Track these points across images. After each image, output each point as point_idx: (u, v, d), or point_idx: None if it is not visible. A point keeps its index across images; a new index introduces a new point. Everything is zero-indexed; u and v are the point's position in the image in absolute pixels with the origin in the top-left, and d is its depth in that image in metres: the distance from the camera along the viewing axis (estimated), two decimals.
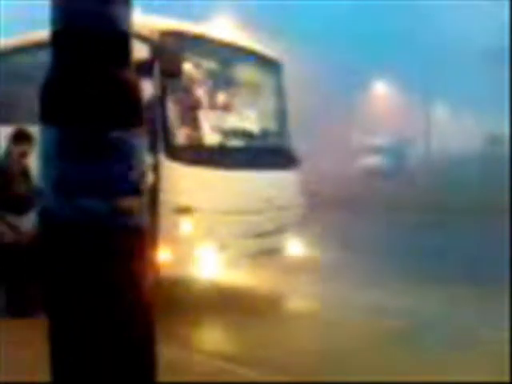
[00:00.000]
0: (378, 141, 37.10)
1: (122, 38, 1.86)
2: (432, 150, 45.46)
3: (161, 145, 5.44)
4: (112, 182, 1.79)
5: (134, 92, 1.85)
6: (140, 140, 1.86)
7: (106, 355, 1.84)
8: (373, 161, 34.69)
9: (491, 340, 5.04)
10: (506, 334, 4.95)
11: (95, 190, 1.77)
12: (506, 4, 24.58)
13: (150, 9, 6.69)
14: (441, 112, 55.74)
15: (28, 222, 5.39)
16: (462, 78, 44.68)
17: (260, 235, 6.20)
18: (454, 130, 55.01)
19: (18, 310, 5.16)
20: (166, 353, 3.65)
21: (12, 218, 5.48)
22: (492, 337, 5.11)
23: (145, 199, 1.89)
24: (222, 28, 24.48)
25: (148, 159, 5.08)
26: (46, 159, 1.84)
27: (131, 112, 1.83)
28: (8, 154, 5.71)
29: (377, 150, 35.42)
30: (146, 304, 1.92)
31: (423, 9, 42.94)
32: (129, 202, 1.81)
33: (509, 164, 20.14)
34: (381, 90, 52.66)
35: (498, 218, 12.75)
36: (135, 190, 1.83)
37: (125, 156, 1.80)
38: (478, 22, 30.16)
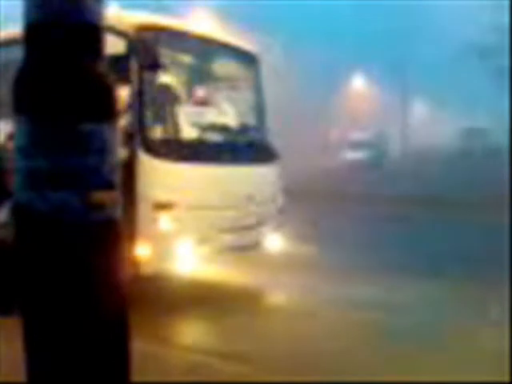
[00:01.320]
0: (358, 135, 37.39)
1: (93, 31, 1.85)
2: (411, 144, 45.88)
3: (138, 139, 5.41)
4: (84, 175, 1.78)
5: (105, 85, 1.84)
6: (112, 133, 1.85)
7: (81, 350, 1.84)
8: (353, 155, 34.97)
9: (468, 331, 5.10)
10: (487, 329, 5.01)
11: (67, 183, 1.76)
12: (487, 3, 24.78)
13: (127, 3, 6.63)
14: (420, 107, 56.17)
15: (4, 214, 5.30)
16: (440, 74, 45.06)
17: (239, 230, 6.20)
18: (433, 124, 55.49)
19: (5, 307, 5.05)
20: (143, 347, 3.66)
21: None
22: (469, 328, 5.17)
23: (118, 193, 1.89)
24: (200, 22, 24.39)
25: (122, 153, 5.06)
26: (19, 152, 1.83)
27: (103, 105, 1.82)
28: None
29: (357, 145, 35.71)
30: (120, 297, 1.92)
31: (403, 6, 43.19)
32: (101, 196, 1.80)
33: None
34: (360, 85, 52.89)
35: (475, 210, 12.96)
36: (108, 183, 1.83)
37: (97, 149, 1.79)
38: (457, 19, 30.42)
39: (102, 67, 1.86)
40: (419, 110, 55.94)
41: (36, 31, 1.81)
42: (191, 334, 5.62)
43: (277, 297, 6.78)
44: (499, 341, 4.75)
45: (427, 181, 20.83)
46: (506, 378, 4.06)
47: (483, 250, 8.55)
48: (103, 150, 1.81)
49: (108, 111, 1.84)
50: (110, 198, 1.84)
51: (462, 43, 26.70)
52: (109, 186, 1.84)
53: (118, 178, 1.93)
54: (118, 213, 1.90)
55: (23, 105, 1.82)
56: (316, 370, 4.24)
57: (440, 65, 43.45)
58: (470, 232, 10.50)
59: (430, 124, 55.50)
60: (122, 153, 5.19)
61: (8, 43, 6.58)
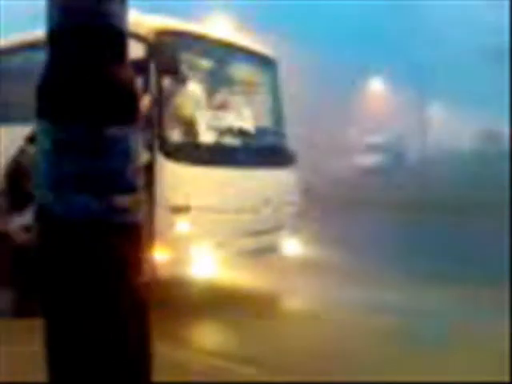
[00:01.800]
0: (376, 139, 37.20)
1: (117, 35, 1.86)
2: (429, 147, 45.56)
3: (157, 143, 5.43)
4: (108, 179, 1.78)
5: (129, 89, 1.85)
6: (135, 137, 1.86)
7: (102, 354, 1.84)
8: (371, 159, 34.79)
9: (482, 337, 5.05)
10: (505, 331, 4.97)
11: (91, 187, 1.76)
12: (505, 4, 24.60)
13: (146, 8, 6.67)
14: (437, 109, 55.80)
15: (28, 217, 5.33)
16: (458, 76, 44.76)
17: (257, 234, 6.20)
18: (451, 127, 55.08)
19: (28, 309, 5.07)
20: (163, 351, 3.66)
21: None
22: (482, 334, 5.12)
23: (141, 196, 1.89)
24: (219, 27, 24.46)
25: (144, 157, 5.09)
26: (42, 156, 1.85)
27: (127, 109, 1.83)
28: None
29: (375, 148, 35.54)
30: (141, 302, 1.92)
31: (420, 8, 43.01)
32: (125, 200, 1.81)
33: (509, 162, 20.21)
34: (378, 87, 52.68)
35: (494, 216, 12.82)
36: (131, 187, 1.83)
37: (120, 153, 1.80)
38: (474, 21, 30.26)
39: (127, 72, 1.87)
40: (437, 112, 55.55)
41: (60, 35, 1.82)
42: (209, 337, 5.62)
43: (294, 301, 6.76)
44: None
45: (443, 185, 20.66)
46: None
47: (499, 254, 8.47)
48: (127, 154, 1.82)
49: (131, 116, 1.85)
50: (134, 202, 1.84)
51: (480, 45, 26.52)
52: (132, 189, 1.84)
53: (142, 181, 1.94)
54: (142, 217, 1.90)
55: (47, 109, 1.83)
56: (331, 372, 4.22)
57: (457, 67, 43.14)
58: (483, 236, 10.42)
59: (448, 126, 55.08)
60: (144, 156, 5.23)
61: (30, 46, 6.67)
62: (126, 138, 1.81)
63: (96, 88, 1.77)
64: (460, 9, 29.99)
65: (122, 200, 1.80)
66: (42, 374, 2.01)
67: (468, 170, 27.03)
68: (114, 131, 1.78)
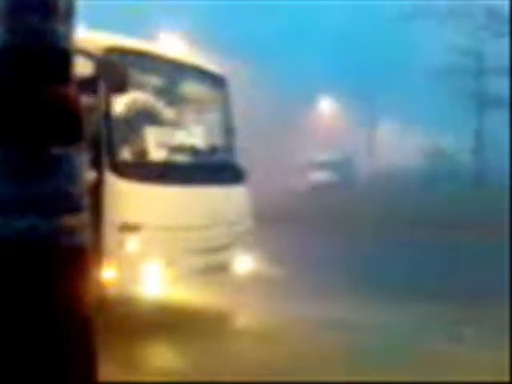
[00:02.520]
0: (326, 156, 37.69)
1: (62, 54, 1.84)
2: (377, 164, 46.44)
3: (106, 161, 5.37)
4: (53, 200, 1.76)
5: (74, 108, 1.83)
6: (81, 156, 1.84)
7: (48, 374, 1.80)
8: (320, 176, 35.23)
9: (433, 351, 5.15)
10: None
11: (35, 209, 1.73)
12: (451, 24, 25.41)
13: (96, 25, 6.64)
14: (386, 128, 56.99)
15: None
16: (407, 96, 45.84)
17: (208, 251, 6.17)
18: (399, 145, 56.31)
19: None
20: (111, 371, 3.60)
21: None
22: (435, 348, 5.22)
23: (87, 217, 1.87)
24: (169, 45, 24.43)
25: (91, 176, 5.03)
26: None
27: (71, 128, 1.81)
28: None
29: (324, 166, 36.01)
30: (87, 322, 1.89)
31: (369, 28, 43.96)
32: (71, 220, 1.78)
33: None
34: (328, 107, 53.48)
35: (441, 229, 13.19)
36: (77, 207, 1.81)
37: (65, 173, 1.78)
38: (422, 41, 31.19)
39: (71, 91, 1.85)
40: (386, 131, 56.75)
41: (4, 54, 1.80)
42: (159, 357, 5.54)
43: (245, 319, 6.75)
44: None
45: (389, 202, 21.10)
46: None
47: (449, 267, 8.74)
48: (72, 175, 1.80)
49: (76, 135, 1.83)
50: (80, 223, 1.82)
51: (428, 65, 27.26)
52: (78, 209, 1.82)
53: (87, 201, 1.91)
54: (88, 237, 1.87)
55: None
56: None
57: (406, 86, 44.22)
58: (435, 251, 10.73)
59: (396, 145, 56.31)
60: (89, 174, 5.17)
61: None
62: (71, 158, 1.79)
63: (38, 108, 1.75)
64: (410, 29, 30.87)
65: (69, 221, 1.78)
66: None
67: (414, 187, 27.75)
68: (58, 151, 1.76)
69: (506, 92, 25.30)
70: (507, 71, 24.78)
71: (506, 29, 23.95)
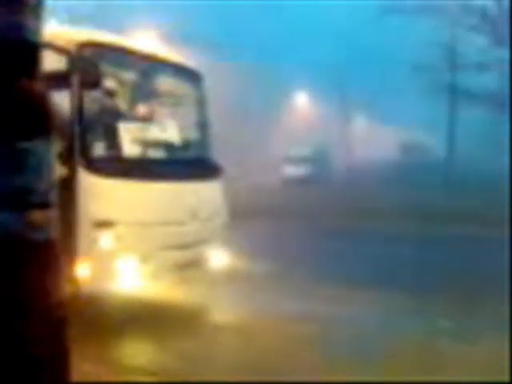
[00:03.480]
0: (298, 151, 37.79)
1: (30, 48, 1.82)
2: (352, 159, 46.75)
3: (78, 157, 5.33)
4: (19, 195, 1.74)
5: (40, 103, 1.81)
6: (48, 151, 1.82)
7: (17, 371, 1.79)
8: (296, 170, 35.34)
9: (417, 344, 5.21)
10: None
11: (2, 203, 1.71)
12: (424, 21, 25.59)
13: (69, 20, 6.57)
14: (360, 122, 57.37)
15: None
16: (381, 90, 46.19)
17: (184, 246, 6.16)
18: (373, 139, 56.75)
19: None
20: (85, 368, 3.59)
21: None
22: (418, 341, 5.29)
23: (55, 212, 1.85)
24: (146, 40, 24.25)
25: (61, 171, 4.99)
26: None
27: (38, 123, 1.79)
28: None
29: (299, 160, 36.12)
30: (57, 319, 1.88)
31: (345, 24, 44.14)
32: (37, 216, 1.77)
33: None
34: (303, 102, 53.62)
35: (419, 221, 13.37)
36: (44, 202, 1.79)
37: (32, 167, 1.76)
38: (401, 38, 31.40)
39: (39, 85, 1.83)
40: (360, 125, 57.14)
41: None
42: (134, 354, 5.51)
43: (223, 315, 6.75)
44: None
45: (366, 195, 21.31)
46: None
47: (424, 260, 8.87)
48: (39, 169, 1.78)
49: (44, 129, 1.81)
50: (46, 218, 1.80)
51: (403, 60, 27.48)
52: (46, 205, 1.80)
53: (56, 196, 1.89)
54: (55, 232, 1.86)
55: None
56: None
57: (381, 81, 44.57)
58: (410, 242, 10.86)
59: (371, 139, 56.73)
60: (61, 170, 5.13)
61: None
62: (38, 151, 1.77)
63: (4, 103, 1.72)
64: (383, 25, 31.05)
65: (36, 216, 1.76)
66: None
67: (390, 179, 28.06)
68: (24, 145, 1.74)
69: (478, 86, 25.63)
70: (479, 66, 25.11)
71: (479, 23, 24.23)
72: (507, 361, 4.45)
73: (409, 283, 7.40)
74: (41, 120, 1.80)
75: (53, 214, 1.84)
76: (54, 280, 1.85)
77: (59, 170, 5.22)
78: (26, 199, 1.75)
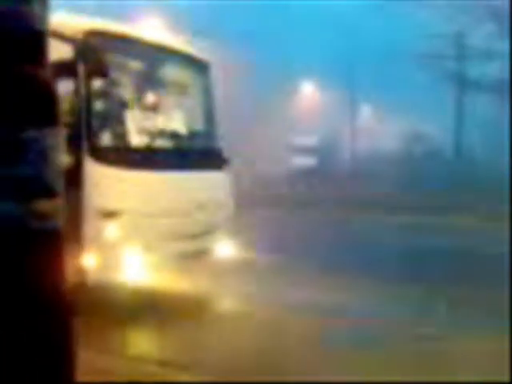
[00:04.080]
0: (306, 140, 37.73)
1: (36, 36, 1.80)
2: (359, 149, 46.64)
3: (85, 146, 5.32)
4: (25, 184, 1.72)
5: (47, 90, 1.79)
6: (55, 140, 1.80)
7: (25, 359, 1.78)
8: (303, 161, 35.30)
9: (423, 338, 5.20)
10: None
11: (8, 193, 1.70)
12: (436, 8, 25.34)
13: (76, 9, 6.54)
14: (367, 112, 57.17)
15: None
16: (387, 80, 45.98)
17: (189, 237, 6.16)
18: (379, 129, 56.56)
19: None
20: (91, 357, 3.59)
21: None
22: (423, 334, 5.28)
23: (61, 201, 1.83)
24: (151, 29, 24.17)
25: (67, 160, 4.98)
26: None
27: (45, 111, 1.77)
28: None
29: (306, 150, 36.07)
30: (64, 308, 1.87)
31: (352, 14, 43.90)
32: (43, 205, 1.75)
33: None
34: (310, 91, 53.44)
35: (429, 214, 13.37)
36: (50, 191, 1.78)
37: (38, 157, 1.74)
38: (407, 28, 31.21)
39: (45, 73, 1.81)
40: (366, 115, 56.92)
41: None
42: (139, 343, 5.54)
43: (229, 304, 6.76)
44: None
45: (372, 184, 21.30)
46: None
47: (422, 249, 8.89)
48: (45, 158, 1.76)
49: (50, 118, 1.79)
50: (53, 207, 1.78)
51: (407, 49, 27.29)
52: (52, 194, 1.78)
53: (62, 185, 1.88)
54: (61, 222, 1.84)
55: None
56: (258, 375, 4.24)
57: (387, 71, 44.36)
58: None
59: (377, 129, 56.55)
60: (68, 159, 5.12)
61: None
62: (44, 140, 1.75)
63: (13, 90, 1.71)
64: (395, 16, 30.89)
65: (42, 205, 1.75)
66: None
67: (396, 169, 28.03)
68: (31, 134, 1.72)
69: (485, 75, 25.51)
70: (486, 54, 24.96)
71: (486, 12, 24.01)
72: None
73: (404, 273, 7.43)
74: (48, 108, 1.78)
75: (59, 203, 1.82)
76: (60, 270, 1.83)
77: (66, 159, 5.22)
78: (31, 188, 1.74)
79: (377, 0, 26.87)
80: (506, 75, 23.58)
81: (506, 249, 8.19)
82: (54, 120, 1.80)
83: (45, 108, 1.77)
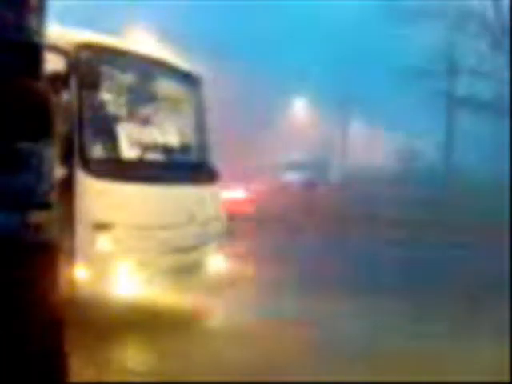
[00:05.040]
0: (300, 157, 37.85)
1: (33, 49, 1.81)
2: (351, 166, 46.83)
3: (77, 158, 5.31)
4: (20, 195, 1.73)
5: (44, 103, 1.81)
6: (50, 151, 1.81)
7: (15, 372, 1.77)
8: (294, 176, 35.32)
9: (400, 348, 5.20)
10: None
11: (2, 204, 1.70)
12: (424, 28, 25.56)
13: (69, 21, 6.57)
14: (359, 128, 57.44)
15: None
16: (379, 97, 46.26)
17: (181, 251, 6.15)
18: (371, 145, 56.84)
19: None
20: (82, 372, 3.56)
21: None
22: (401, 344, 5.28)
23: (55, 213, 1.83)
24: (144, 40, 24.28)
25: (60, 172, 4.98)
26: None
27: (41, 123, 1.78)
28: None
29: (299, 167, 36.13)
30: (55, 320, 1.86)
31: (345, 30, 44.22)
32: (38, 216, 1.75)
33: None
34: (301, 108, 53.70)
35: (417, 230, 13.41)
36: (44, 203, 1.78)
37: (33, 168, 1.75)
38: (396, 42, 31.47)
39: (42, 85, 1.82)
40: (358, 131, 57.19)
41: None
42: (130, 358, 5.49)
43: (220, 319, 6.72)
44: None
45: (363, 202, 21.36)
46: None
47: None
48: (40, 170, 1.76)
49: (45, 130, 1.80)
50: (47, 219, 1.78)
51: (398, 66, 27.47)
52: (46, 206, 1.78)
53: (55, 197, 1.88)
54: (56, 234, 1.84)
55: None
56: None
57: (378, 88, 44.63)
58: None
59: (368, 146, 56.84)
60: (60, 172, 5.12)
61: None
62: (40, 152, 1.76)
63: (8, 102, 1.71)
64: (381, 31, 31.11)
65: (36, 217, 1.74)
66: None
67: (389, 188, 28.11)
68: (26, 146, 1.73)
69: (476, 91, 25.73)
70: (478, 72, 25.17)
71: (479, 29, 24.24)
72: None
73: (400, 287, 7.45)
74: (43, 120, 1.79)
75: (53, 215, 1.82)
76: (53, 282, 1.83)
77: (58, 171, 5.21)
78: (26, 200, 1.74)
79: (369, 17, 27.09)
80: (499, 92, 23.76)
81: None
82: (49, 132, 1.81)
83: (40, 120, 1.78)
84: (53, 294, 1.84)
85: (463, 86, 28.03)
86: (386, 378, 4.35)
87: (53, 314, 1.84)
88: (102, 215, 5.35)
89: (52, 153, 1.83)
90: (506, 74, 22.42)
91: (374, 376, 4.45)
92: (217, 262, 6.71)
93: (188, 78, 7.25)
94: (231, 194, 13.96)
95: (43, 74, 1.85)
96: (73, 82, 5.43)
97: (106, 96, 5.95)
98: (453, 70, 28.58)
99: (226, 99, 28.64)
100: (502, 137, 24.53)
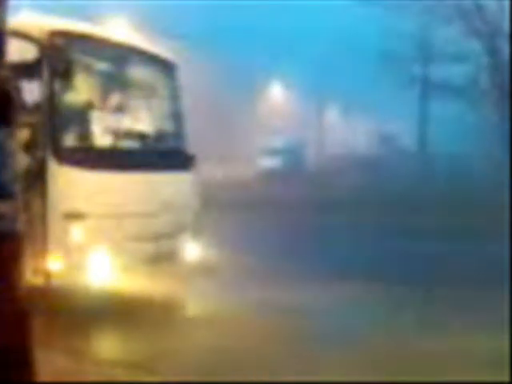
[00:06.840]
0: (275, 142, 37.81)
1: None
2: (326, 150, 47.00)
3: (48, 147, 5.24)
4: None
5: (4, 90, 1.76)
6: (11, 140, 1.76)
7: None
8: (270, 162, 35.32)
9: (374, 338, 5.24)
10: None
11: None
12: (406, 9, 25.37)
13: (40, 8, 6.45)
14: (333, 113, 57.57)
15: None
16: (356, 81, 46.31)
17: (156, 239, 6.12)
18: (346, 131, 57.04)
19: None
20: (56, 360, 3.55)
21: None
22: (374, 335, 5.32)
23: (19, 203, 1.80)
24: (117, 28, 23.94)
25: (34, 161, 4.91)
26: None
27: (0, 111, 1.73)
28: None
29: (274, 152, 36.12)
30: (19, 312, 1.83)
31: (318, 11, 44.05)
32: (1, 207, 1.71)
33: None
34: (277, 92, 53.60)
35: (394, 215, 13.53)
36: (6, 193, 1.74)
37: None
38: (374, 27, 31.48)
39: (2, 73, 1.78)
40: (333, 116, 57.32)
41: None
42: (104, 347, 5.47)
43: (196, 307, 6.72)
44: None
45: (340, 187, 21.46)
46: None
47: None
48: (1, 159, 1.72)
49: (6, 117, 1.75)
50: (10, 209, 1.75)
51: (375, 50, 27.40)
52: (8, 195, 1.75)
53: (20, 187, 1.85)
54: (19, 224, 1.81)
55: None
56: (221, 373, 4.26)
57: (352, 71, 44.66)
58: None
59: (343, 131, 57.03)
60: (31, 160, 5.05)
61: None
62: (0, 142, 1.72)
63: None
64: (361, 15, 31.03)
65: None
66: None
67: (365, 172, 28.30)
68: None
69: (450, 78, 25.83)
70: (452, 57, 25.22)
71: (452, 13, 24.18)
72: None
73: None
74: (3, 108, 1.74)
75: (17, 205, 1.78)
76: (18, 272, 1.80)
77: (28, 161, 5.14)
78: None
79: (344, 0, 26.96)
80: (475, 78, 23.83)
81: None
82: (9, 121, 1.76)
83: (0, 108, 1.74)
84: (18, 283, 1.81)
85: (437, 72, 28.15)
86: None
87: (16, 306, 1.81)
88: (74, 204, 5.29)
89: (13, 141, 1.79)
90: (482, 60, 22.55)
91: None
92: (192, 250, 6.69)
93: (162, 65, 7.18)
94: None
95: (5, 62, 1.81)
96: (45, 70, 5.35)
97: (78, 83, 5.87)
98: (426, 55, 28.68)
99: (201, 86, 28.50)
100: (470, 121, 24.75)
